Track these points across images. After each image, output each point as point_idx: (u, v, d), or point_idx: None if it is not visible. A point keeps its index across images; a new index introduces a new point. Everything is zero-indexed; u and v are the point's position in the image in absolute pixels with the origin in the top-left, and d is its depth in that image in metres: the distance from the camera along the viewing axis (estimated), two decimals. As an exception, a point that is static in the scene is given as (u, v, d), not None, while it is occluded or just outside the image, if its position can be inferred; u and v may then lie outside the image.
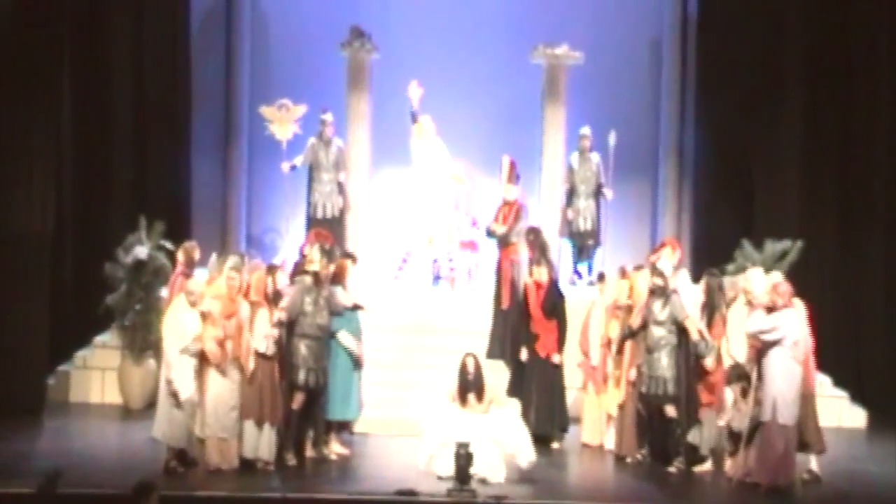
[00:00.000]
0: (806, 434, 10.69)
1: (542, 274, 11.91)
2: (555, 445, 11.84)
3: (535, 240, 12.31)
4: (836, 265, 13.94)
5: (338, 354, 11.21)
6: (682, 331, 10.98)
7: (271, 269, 10.97)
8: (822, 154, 14.39)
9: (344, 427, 11.52)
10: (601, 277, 12.19)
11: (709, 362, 10.98)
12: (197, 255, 11.66)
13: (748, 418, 10.58)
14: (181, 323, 10.31)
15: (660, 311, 11.01)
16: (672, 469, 10.98)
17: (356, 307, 11.40)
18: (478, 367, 10.90)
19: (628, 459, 11.31)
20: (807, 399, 10.73)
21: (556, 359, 11.79)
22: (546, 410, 11.60)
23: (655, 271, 11.15)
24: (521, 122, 15.62)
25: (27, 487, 8.88)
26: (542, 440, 11.69)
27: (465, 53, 15.93)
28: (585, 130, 14.99)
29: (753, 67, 14.74)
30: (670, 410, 11.01)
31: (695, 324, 10.98)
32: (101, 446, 11.41)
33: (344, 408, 11.32)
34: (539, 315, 11.82)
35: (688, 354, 10.97)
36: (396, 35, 15.61)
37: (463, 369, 10.92)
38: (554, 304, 11.83)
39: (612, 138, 14.68)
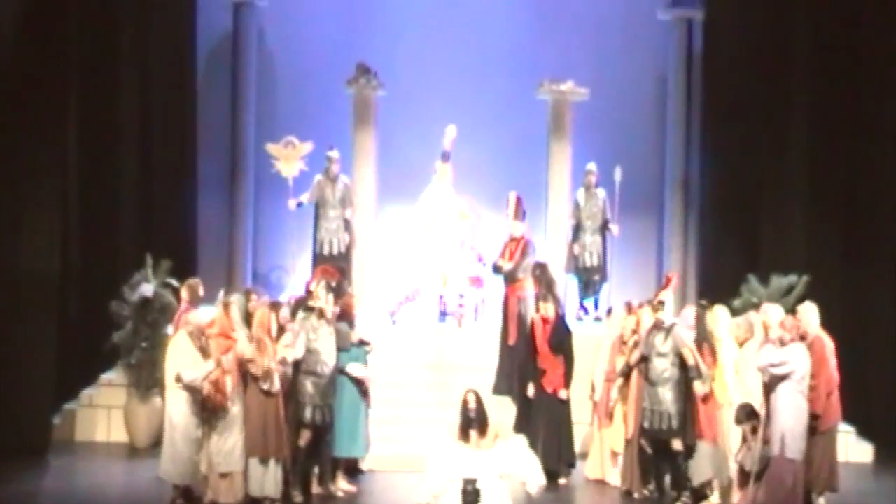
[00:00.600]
0: (823, 472, 10.63)
1: (548, 310, 11.90)
2: (561, 481, 11.78)
3: (542, 275, 12.33)
4: (842, 299, 13.88)
5: (344, 391, 11.18)
6: (683, 364, 10.96)
7: (275, 306, 10.97)
8: (828, 188, 14.38)
9: (351, 465, 11.48)
10: (610, 313, 12.17)
11: (699, 388, 10.87)
12: (201, 291, 11.65)
13: (757, 452, 10.54)
14: (181, 356, 10.31)
15: (662, 343, 10.99)
16: None
17: (362, 343, 11.40)
18: (479, 403, 10.85)
19: (635, 495, 11.26)
20: (828, 436, 10.71)
21: (562, 394, 11.75)
22: (552, 446, 11.55)
23: (658, 305, 11.14)
24: (527, 157, 15.65)
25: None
26: (548, 476, 11.64)
27: (471, 90, 16.00)
28: (591, 166, 15.02)
29: (759, 102, 14.76)
30: (676, 444, 10.96)
31: (692, 352, 10.96)
32: (106, 485, 11.38)
33: (351, 445, 11.29)
34: (546, 350, 11.80)
35: (689, 387, 10.95)
36: (402, 72, 15.68)
37: (464, 406, 10.88)
38: (560, 339, 11.81)
39: (617, 174, 14.70)
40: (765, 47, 14.80)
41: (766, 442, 10.43)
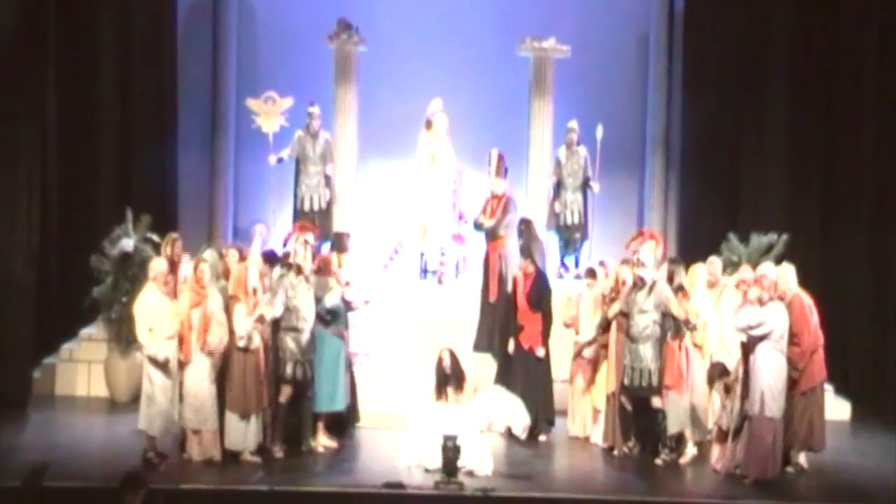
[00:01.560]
0: (801, 429, 10.72)
1: (528, 265, 11.93)
2: (542, 438, 11.85)
3: (525, 231, 12.36)
4: (821, 258, 13.98)
5: (324, 346, 11.22)
6: (664, 321, 11.01)
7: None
8: (807, 148, 14.45)
9: (337, 421, 11.49)
10: (590, 273, 12.18)
11: (699, 340, 11.05)
12: (179, 246, 11.71)
13: (735, 411, 10.63)
14: (147, 305, 10.39)
15: (644, 300, 11.02)
16: (659, 461, 11.01)
17: (349, 307, 11.44)
18: (454, 360, 10.92)
19: (616, 452, 11.34)
20: (812, 395, 10.77)
21: (539, 351, 11.80)
22: (531, 403, 11.55)
23: (638, 262, 11.15)
24: (508, 114, 15.60)
25: (12, 481, 8.84)
26: (528, 433, 11.74)
27: (453, 46, 15.90)
28: (573, 124, 15.00)
29: (740, 62, 14.79)
30: (656, 402, 11.04)
31: (678, 304, 11.04)
32: (86, 439, 11.39)
33: (331, 400, 11.34)
34: (524, 306, 11.84)
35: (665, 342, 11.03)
36: (383, 27, 15.57)
37: (439, 364, 10.96)
38: (539, 296, 11.85)
39: (599, 131, 14.69)
40: (746, 6, 14.81)
41: (744, 399, 10.53)
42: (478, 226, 13.22)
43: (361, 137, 15.31)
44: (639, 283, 11.09)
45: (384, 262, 14.59)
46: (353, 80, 15.12)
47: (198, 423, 10.43)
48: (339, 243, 12.66)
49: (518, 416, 10.80)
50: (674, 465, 11.05)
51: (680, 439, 11.20)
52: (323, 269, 11.43)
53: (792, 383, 10.56)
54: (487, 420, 10.75)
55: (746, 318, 10.38)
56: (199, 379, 10.40)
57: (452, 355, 10.96)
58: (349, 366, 11.54)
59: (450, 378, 10.88)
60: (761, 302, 10.40)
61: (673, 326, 11.01)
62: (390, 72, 15.68)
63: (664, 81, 16.07)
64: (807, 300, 10.85)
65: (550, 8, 15.89)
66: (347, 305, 11.53)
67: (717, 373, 10.81)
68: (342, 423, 11.60)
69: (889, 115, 13.68)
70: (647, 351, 11.00)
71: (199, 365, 10.41)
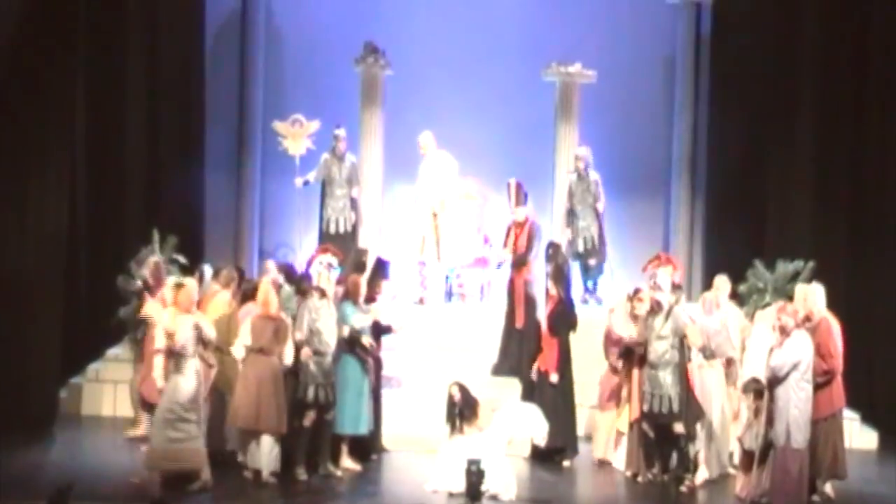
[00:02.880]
0: (826, 458, 10.65)
1: (552, 288, 11.92)
2: (565, 464, 11.82)
3: (554, 255, 12.27)
4: (847, 285, 13.88)
5: (347, 368, 11.22)
6: (683, 346, 10.96)
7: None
8: (834, 173, 14.37)
9: (362, 445, 11.50)
10: (636, 292, 12.06)
11: (715, 366, 11.04)
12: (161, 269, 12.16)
13: (760, 437, 10.58)
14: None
15: (661, 325, 10.98)
16: (683, 488, 10.96)
17: (388, 330, 11.51)
18: (463, 392, 10.92)
19: (640, 478, 11.29)
20: (831, 422, 10.71)
21: (553, 378, 11.71)
22: (551, 426, 11.54)
23: (655, 286, 11.11)
24: (534, 139, 15.64)
25: (38, 500, 8.87)
26: (546, 457, 11.72)
27: (479, 70, 15.95)
28: (580, 151, 14.91)
29: (766, 85, 14.75)
30: (678, 427, 10.97)
31: (696, 332, 10.98)
32: (112, 459, 11.39)
33: (355, 423, 11.33)
34: (545, 330, 11.81)
35: (685, 369, 10.97)
36: (410, 51, 15.64)
37: (450, 401, 10.96)
38: (560, 322, 11.76)
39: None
40: (772, 31, 14.78)
41: (769, 427, 10.48)
42: (520, 261, 12.94)
43: (387, 160, 15.36)
44: (656, 309, 11.05)
45: (419, 293, 14.50)
46: (379, 103, 15.19)
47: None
48: (380, 270, 12.45)
49: (537, 424, 10.76)
50: (696, 492, 10.99)
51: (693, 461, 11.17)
52: (351, 293, 11.46)
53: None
54: (508, 436, 10.74)
55: (777, 360, 10.26)
56: (183, 397, 10.35)
57: (462, 388, 10.97)
58: (375, 392, 11.54)
59: (464, 410, 10.89)
60: (784, 330, 10.33)
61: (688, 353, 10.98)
62: (416, 95, 15.73)
63: (690, 104, 16.07)
64: (835, 325, 10.79)
65: (576, 32, 15.94)
66: (386, 329, 11.55)
67: (752, 389, 10.72)
68: (365, 448, 11.59)
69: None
70: (666, 377, 10.92)
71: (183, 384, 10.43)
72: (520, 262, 12.95)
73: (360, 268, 11.97)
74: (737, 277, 12.81)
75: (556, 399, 11.60)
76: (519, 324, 12.70)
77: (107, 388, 13.29)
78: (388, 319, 11.67)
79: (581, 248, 14.83)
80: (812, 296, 10.85)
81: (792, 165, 14.49)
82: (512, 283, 13.04)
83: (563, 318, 11.84)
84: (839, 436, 10.83)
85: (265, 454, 10.59)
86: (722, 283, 11.93)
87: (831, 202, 14.36)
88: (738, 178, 14.96)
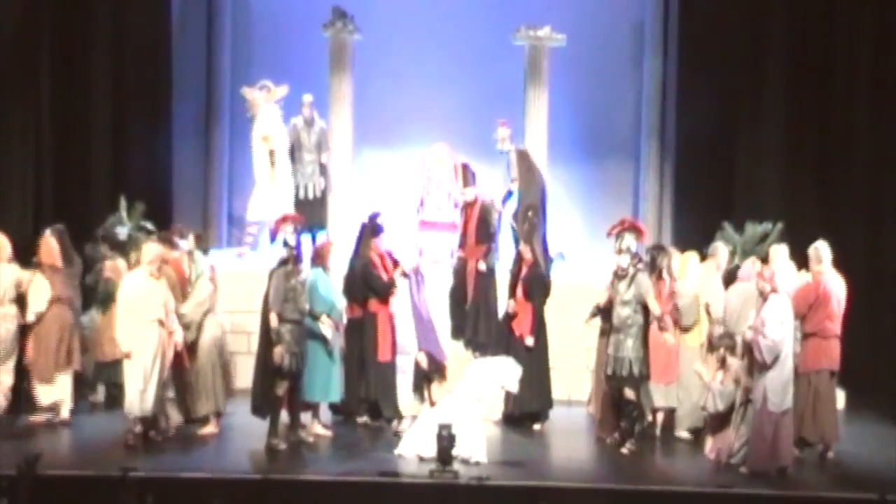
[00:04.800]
0: (810, 419, 10.79)
1: (526, 251, 11.89)
2: (535, 427, 11.86)
3: (524, 217, 12.20)
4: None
5: (316, 336, 11.20)
6: (646, 311, 11.00)
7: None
8: (802, 135, 14.44)
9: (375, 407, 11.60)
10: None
11: (669, 339, 11.10)
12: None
13: (727, 397, 10.66)
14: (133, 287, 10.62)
15: (625, 290, 10.99)
16: (624, 450, 10.98)
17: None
18: (430, 358, 10.94)
19: (608, 440, 11.35)
20: (818, 378, 10.82)
21: (528, 341, 11.73)
22: (525, 391, 11.57)
23: (619, 251, 11.09)
24: (503, 103, 15.51)
25: (7, 469, 8.83)
26: (519, 420, 11.75)
27: (447, 35, 15.85)
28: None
29: (735, 49, 14.75)
30: (628, 393, 11.03)
31: (656, 302, 11.02)
32: (79, 427, 11.37)
33: (325, 391, 11.34)
34: (519, 293, 11.80)
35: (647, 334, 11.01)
36: (378, 16, 15.51)
37: (417, 368, 10.98)
38: (534, 285, 11.79)
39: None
40: (743, -6, 14.78)
41: (737, 384, 10.57)
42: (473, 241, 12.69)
43: (356, 126, 15.28)
44: (620, 273, 11.05)
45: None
46: (348, 68, 15.06)
47: None
48: (371, 227, 12.29)
49: (506, 372, 10.79)
50: (669, 452, 11.05)
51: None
52: (320, 258, 11.43)
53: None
54: (478, 395, 10.76)
55: (769, 350, 10.28)
56: None
57: (426, 355, 10.99)
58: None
59: (433, 374, 10.92)
60: (762, 294, 10.37)
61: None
62: (385, 60, 15.64)
63: (659, 69, 16.03)
64: (833, 285, 10.90)
65: (545, -5, 15.86)
66: (390, 284, 11.58)
67: (724, 343, 10.77)
68: (376, 409, 11.64)
69: (884, 103, 13.68)
70: (628, 340, 10.97)
71: None
72: (480, 242, 12.64)
73: (375, 231, 11.79)
74: (706, 239, 12.83)
75: (530, 364, 11.56)
76: (467, 304, 12.43)
77: (73, 356, 13.19)
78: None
79: None
80: (774, 257, 10.93)
81: (760, 128, 14.54)
82: (464, 262, 12.72)
83: (539, 282, 11.85)
84: (820, 397, 10.91)
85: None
86: (691, 259, 11.92)
87: (800, 164, 14.42)
88: (706, 142, 14.95)
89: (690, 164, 15.20)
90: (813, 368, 10.93)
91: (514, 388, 10.94)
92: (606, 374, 11.13)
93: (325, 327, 11.15)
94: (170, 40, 15.30)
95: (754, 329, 10.31)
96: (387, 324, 11.57)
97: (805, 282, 11.22)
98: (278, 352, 10.65)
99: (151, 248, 10.86)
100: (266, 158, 14.33)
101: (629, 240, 11.17)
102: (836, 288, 11.07)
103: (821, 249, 11.13)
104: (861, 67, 14.05)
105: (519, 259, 11.99)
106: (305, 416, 11.30)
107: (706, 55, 15.01)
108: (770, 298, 10.35)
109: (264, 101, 14.47)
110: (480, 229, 12.60)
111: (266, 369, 10.81)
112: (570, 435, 11.82)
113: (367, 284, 11.58)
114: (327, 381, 11.32)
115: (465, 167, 13.08)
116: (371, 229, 11.81)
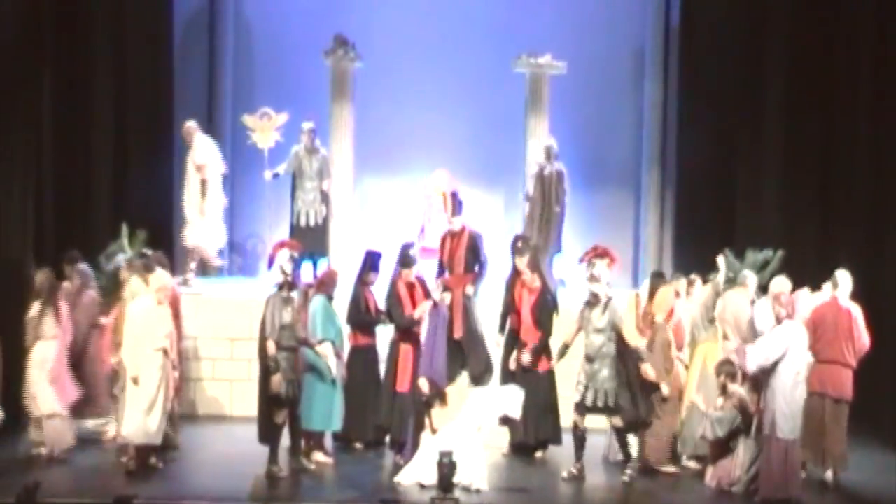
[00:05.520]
0: (814, 443, 10.76)
1: (535, 280, 11.71)
2: (538, 455, 11.81)
3: (524, 247, 12.09)
4: (817, 273, 13.93)
5: (317, 363, 11.18)
6: (620, 339, 10.82)
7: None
8: (803, 162, 14.41)
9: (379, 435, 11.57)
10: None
11: (649, 372, 10.84)
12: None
13: (724, 424, 10.63)
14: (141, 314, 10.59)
15: (598, 318, 10.85)
16: (625, 478, 10.88)
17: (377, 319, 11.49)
18: (431, 384, 10.91)
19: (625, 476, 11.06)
20: (819, 401, 10.80)
21: (525, 358, 11.54)
22: (534, 420, 11.50)
23: (591, 278, 10.94)
24: (504, 131, 15.64)
25: (6, 498, 8.81)
26: (522, 449, 11.69)
27: (449, 62, 15.93)
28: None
29: (735, 76, 14.79)
30: (616, 422, 10.91)
31: (632, 333, 10.84)
32: (78, 455, 11.31)
33: (327, 420, 11.30)
34: (529, 322, 11.61)
35: (635, 366, 10.83)
36: (380, 44, 15.60)
37: (418, 394, 10.94)
38: (544, 313, 11.65)
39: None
40: (741, 22, 14.81)
41: (742, 411, 10.55)
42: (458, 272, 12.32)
43: (357, 153, 15.31)
44: (592, 301, 10.93)
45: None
46: (349, 96, 15.14)
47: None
48: (370, 262, 12.07)
49: (508, 399, 10.71)
50: (676, 481, 11.01)
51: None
52: (325, 285, 11.42)
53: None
54: (479, 423, 10.72)
55: (755, 359, 10.28)
56: None
57: (430, 381, 10.96)
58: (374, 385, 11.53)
59: (434, 400, 10.89)
60: (778, 319, 10.38)
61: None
62: (386, 88, 15.71)
63: (660, 97, 16.10)
64: (834, 314, 10.92)
65: (546, 24, 15.92)
66: (375, 320, 11.58)
67: (724, 371, 10.73)
68: (381, 439, 11.63)
69: (884, 128, 13.68)
70: (603, 370, 10.80)
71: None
72: (468, 271, 12.36)
73: (406, 262, 11.63)
74: (707, 267, 12.81)
75: (537, 393, 11.50)
76: (457, 335, 12.11)
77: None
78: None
79: None
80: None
81: (761, 155, 14.54)
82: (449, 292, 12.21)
83: (548, 308, 11.75)
84: (823, 421, 10.87)
85: None
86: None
87: (800, 191, 14.42)
88: (707, 169, 14.98)
89: (691, 191, 15.22)
90: (816, 391, 10.90)
91: (518, 414, 10.88)
92: (576, 402, 10.92)
93: (329, 355, 11.13)
94: (172, 67, 15.37)
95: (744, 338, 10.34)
96: (409, 354, 11.46)
97: (819, 306, 11.21)
98: (276, 380, 10.62)
99: (160, 277, 10.84)
100: (198, 188, 14.20)
101: (601, 267, 10.96)
102: (848, 317, 11.02)
103: (839, 277, 11.14)
104: (861, 93, 14.06)
105: (513, 288, 11.83)
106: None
107: (706, 82, 15.07)
108: (784, 323, 10.34)
109: (265, 129, 14.49)
110: (468, 259, 12.32)
111: (266, 397, 10.78)
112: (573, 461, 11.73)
113: (390, 315, 11.53)
114: (329, 410, 11.29)
115: (454, 196, 12.92)
116: (402, 260, 11.67)
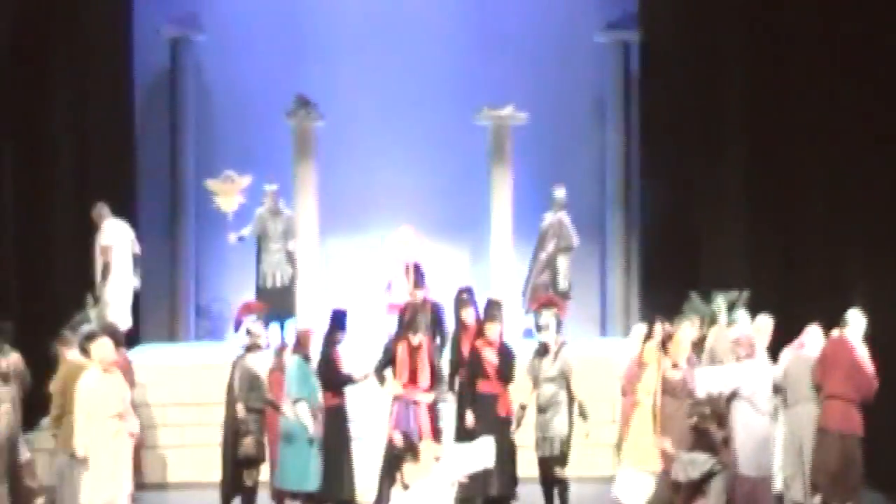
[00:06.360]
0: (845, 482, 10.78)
1: (494, 332, 11.50)
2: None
3: (498, 311, 11.97)
4: (782, 311, 13.95)
5: (293, 423, 11.11)
6: (570, 388, 10.76)
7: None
8: (764, 203, 14.48)
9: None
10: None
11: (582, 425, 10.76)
12: None
13: (697, 466, 10.57)
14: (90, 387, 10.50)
15: (549, 367, 10.78)
16: None
17: (349, 379, 11.42)
18: (405, 438, 10.84)
19: None
20: (852, 441, 10.82)
21: (513, 419, 11.50)
22: (506, 471, 11.35)
23: (539, 329, 10.91)
24: (468, 183, 15.69)
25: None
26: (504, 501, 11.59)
27: (410, 117, 16.01)
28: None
29: (695, 121, 14.87)
30: (559, 471, 10.83)
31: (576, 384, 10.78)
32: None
33: (301, 479, 11.19)
34: (496, 377, 11.61)
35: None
36: (341, 102, 15.66)
37: (389, 446, 10.86)
38: (510, 369, 11.51)
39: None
40: (701, 68, 14.91)
41: (711, 452, 10.51)
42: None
43: (322, 213, 15.30)
44: (541, 350, 10.86)
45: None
46: (313, 155, 15.14)
47: None
48: (336, 321, 11.90)
49: (481, 451, 10.60)
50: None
51: None
52: (302, 346, 11.38)
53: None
54: (453, 478, 10.61)
55: (705, 385, 10.26)
56: None
57: (404, 434, 10.89)
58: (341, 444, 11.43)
59: (407, 454, 10.79)
60: (737, 359, 10.37)
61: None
62: (349, 146, 15.77)
63: (622, 144, 16.20)
64: (841, 351, 10.98)
65: (506, 76, 16.03)
66: (347, 379, 11.48)
67: (695, 412, 10.68)
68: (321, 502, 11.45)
69: (842, 171, 13.78)
70: (555, 419, 10.73)
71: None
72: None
73: (491, 317, 11.50)
74: (674, 311, 12.81)
75: (504, 445, 11.44)
76: None
77: (41, 459, 12.91)
78: (349, 368, 11.50)
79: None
80: (760, 328, 11.12)
81: (724, 197, 14.60)
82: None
83: (512, 365, 11.65)
84: (829, 457, 10.88)
85: None
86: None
87: (764, 230, 14.46)
88: (671, 214, 15.01)
89: (656, 236, 15.25)
90: (825, 428, 10.96)
91: (491, 464, 10.80)
92: (538, 457, 10.84)
93: (304, 414, 11.05)
94: (133, 132, 15.38)
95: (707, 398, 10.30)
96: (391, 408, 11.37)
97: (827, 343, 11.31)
98: (248, 442, 10.55)
99: (104, 345, 10.77)
100: (100, 270, 13.95)
101: (547, 316, 10.95)
102: (852, 355, 11.07)
103: (849, 316, 11.22)
104: (819, 136, 14.16)
105: (459, 343, 11.70)
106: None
107: (667, 128, 15.13)
108: (744, 362, 10.34)
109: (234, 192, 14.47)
110: (432, 331, 12.16)
111: (234, 459, 10.68)
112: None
113: (325, 377, 11.47)
114: (304, 470, 11.18)
115: (417, 268, 12.86)
116: (334, 323, 11.68)
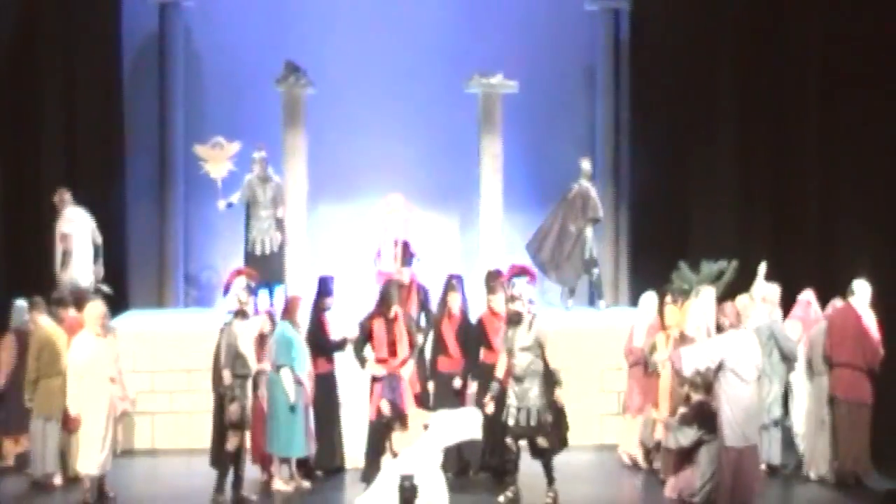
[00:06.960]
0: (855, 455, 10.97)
1: (499, 304, 11.46)
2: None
3: (458, 285, 11.76)
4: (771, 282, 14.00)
5: (279, 391, 11.13)
6: (545, 357, 10.67)
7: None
8: (755, 172, 14.54)
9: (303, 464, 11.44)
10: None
11: (559, 396, 10.69)
12: None
13: (687, 435, 10.62)
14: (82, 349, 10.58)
15: (524, 336, 10.67)
16: (548, 500, 10.74)
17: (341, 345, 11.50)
18: (392, 406, 10.86)
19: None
20: (835, 406, 11.01)
21: (456, 383, 11.56)
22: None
23: (513, 297, 10.80)
24: (458, 151, 15.63)
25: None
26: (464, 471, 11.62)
27: (400, 85, 15.92)
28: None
29: (686, 90, 14.87)
30: (542, 441, 10.75)
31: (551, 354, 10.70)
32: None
33: (288, 446, 11.22)
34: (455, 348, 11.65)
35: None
36: (331, 69, 15.56)
37: (378, 415, 10.88)
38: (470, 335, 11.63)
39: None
40: (691, 36, 14.91)
41: (699, 423, 10.56)
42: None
43: (311, 180, 15.26)
44: (514, 319, 10.77)
45: None
46: (302, 122, 15.07)
47: None
48: (323, 287, 12.00)
49: (470, 422, 10.63)
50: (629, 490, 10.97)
51: None
52: (289, 312, 11.37)
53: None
54: (442, 446, 10.65)
55: (691, 362, 10.30)
56: None
57: (391, 404, 10.91)
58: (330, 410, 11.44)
59: (394, 421, 10.83)
60: (721, 329, 10.39)
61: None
62: (339, 113, 15.68)
63: (612, 113, 16.14)
64: (847, 319, 11.20)
65: (496, 43, 15.93)
66: (337, 345, 11.51)
67: (683, 382, 10.74)
68: (309, 468, 11.53)
69: (833, 142, 13.81)
70: (532, 389, 10.61)
71: None
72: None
73: (324, 292, 11.70)
74: (663, 281, 12.84)
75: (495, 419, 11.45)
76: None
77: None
78: (340, 334, 11.53)
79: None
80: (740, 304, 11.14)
81: (714, 167, 14.63)
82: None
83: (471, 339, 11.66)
84: (839, 424, 11.14)
85: None
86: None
87: (753, 201, 14.50)
88: (661, 183, 15.04)
89: (645, 206, 15.27)
90: (834, 395, 11.17)
91: (479, 435, 10.82)
92: (508, 424, 10.68)
93: (286, 380, 11.07)
94: (122, 98, 15.33)
95: (695, 375, 10.35)
96: (372, 385, 11.32)
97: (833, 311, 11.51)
98: (234, 408, 10.57)
99: (95, 308, 10.79)
100: (59, 257, 13.64)
101: (520, 285, 10.85)
102: (859, 323, 11.27)
103: (855, 285, 11.42)
104: (811, 97, 14.19)
105: (440, 327, 11.67)
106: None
107: (657, 96, 15.14)
108: (728, 332, 10.37)
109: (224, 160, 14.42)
110: (418, 314, 12.18)
111: (221, 425, 10.72)
112: (538, 482, 11.62)
113: (315, 344, 11.51)
114: (290, 436, 11.22)
115: (406, 246, 12.81)
116: (321, 290, 11.75)
